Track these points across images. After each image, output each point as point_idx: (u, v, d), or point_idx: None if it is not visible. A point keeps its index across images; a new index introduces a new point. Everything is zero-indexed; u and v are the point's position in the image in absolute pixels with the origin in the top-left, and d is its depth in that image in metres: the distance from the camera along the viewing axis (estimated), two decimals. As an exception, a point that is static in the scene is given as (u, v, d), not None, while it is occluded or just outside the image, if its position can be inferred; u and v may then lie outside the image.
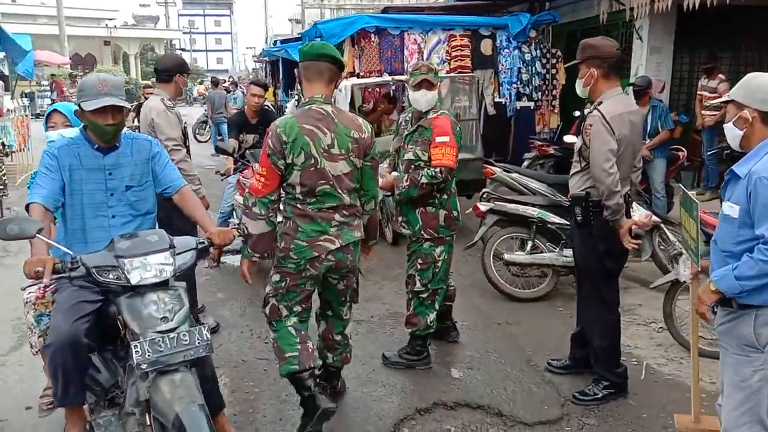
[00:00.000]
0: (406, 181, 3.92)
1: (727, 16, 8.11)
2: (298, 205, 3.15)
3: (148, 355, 2.35)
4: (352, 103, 7.67)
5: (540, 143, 8.82)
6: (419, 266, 4.02)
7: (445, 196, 3.97)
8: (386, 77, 8.31)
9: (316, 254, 3.14)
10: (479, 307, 5.24)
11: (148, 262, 2.54)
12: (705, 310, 2.56)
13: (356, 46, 9.87)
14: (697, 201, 2.95)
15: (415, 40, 9.92)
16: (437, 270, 4.01)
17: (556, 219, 5.34)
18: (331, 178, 3.11)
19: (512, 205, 5.45)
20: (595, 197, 3.47)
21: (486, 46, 10.17)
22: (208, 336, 2.50)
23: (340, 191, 3.15)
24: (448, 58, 9.95)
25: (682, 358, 4.22)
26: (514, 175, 6.22)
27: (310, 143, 3.06)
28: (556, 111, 10.47)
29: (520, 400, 3.74)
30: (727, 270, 2.39)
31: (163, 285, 2.56)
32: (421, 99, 3.94)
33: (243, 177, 5.93)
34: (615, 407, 3.63)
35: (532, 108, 10.36)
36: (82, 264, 2.50)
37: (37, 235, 2.47)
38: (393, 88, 9.62)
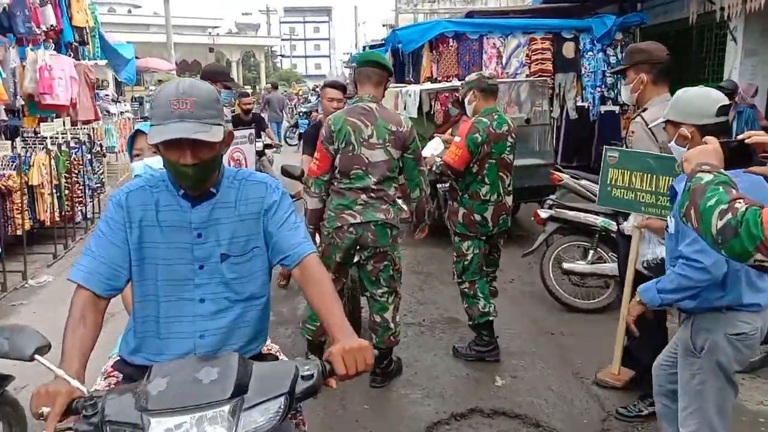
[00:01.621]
0: (429, 164, 4.36)
1: (830, 14, 7.51)
2: (335, 183, 3.70)
3: None
4: (420, 109, 7.70)
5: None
6: (454, 259, 4.37)
7: (466, 197, 4.21)
8: (456, 82, 8.28)
9: (339, 225, 3.64)
10: (534, 315, 5.15)
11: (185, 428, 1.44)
12: (631, 321, 2.66)
13: (434, 51, 9.89)
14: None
15: (494, 44, 9.83)
16: (467, 263, 4.26)
17: (621, 228, 5.16)
18: (366, 164, 3.60)
19: (573, 213, 5.29)
20: None
21: (568, 49, 9.91)
22: None
23: (371, 176, 3.61)
24: (528, 61, 9.78)
25: (744, 379, 3.96)
26: (583, 182, 6.03)
27: (351, 132, 3.60)
28: (643, 116, 10.02)
29: (560, 412, 3.65)
30: (650, 284, 2.54)
31: None
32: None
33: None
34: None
35: (617, 112, 9.97)
36: (101, 410, 1.49)
37: (36, 357, 1.69)
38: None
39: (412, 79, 10.76)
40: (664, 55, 3.35)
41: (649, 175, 3.44)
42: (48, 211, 6.68)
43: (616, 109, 9.93)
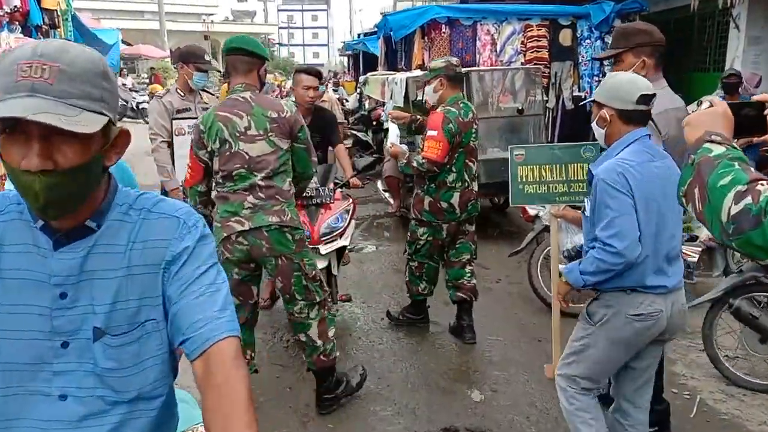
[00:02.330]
0: (405, 158, 4.24)
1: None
2: (218, 189, 3.21)
3: None
4: (406, 97, 7.35)
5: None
6: (408, 238, 4.45)
7: (433, 186, 4.17)
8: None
9: (226, 235, 3.15)
10: (520, 320, 4.81)
11: None
12: (560, 299, 2.82)
13: (426, 38, 9.55)
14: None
15: (488, 30, 9.47)
16: (419, 247, 4.33)
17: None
18: (247, 160, 3.12)
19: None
20: None
21: (565, 37, 9.57)
22: None
23: (256, 173, 3.13)
24: (524, 49, 9.43)
25: (745, 395, 3.64)
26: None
27: (223, 128, 3.12)
28: (640, 106, 9.68)
29: (543, 430, 3.32)
30: (575, 264, 2.59)
31: None
32: (426, 92, 4.37)
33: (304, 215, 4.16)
34: (653, 448, 3.14)
35: (614, 103, 9.62)
36: None
37: None
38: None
39: (404, 67, 10.42)
40: (663, 39, 3.01)
41: (558, 165, 3.63)
42: None
43: (614, 99, 9.59)
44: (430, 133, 4.04)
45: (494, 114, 7.18)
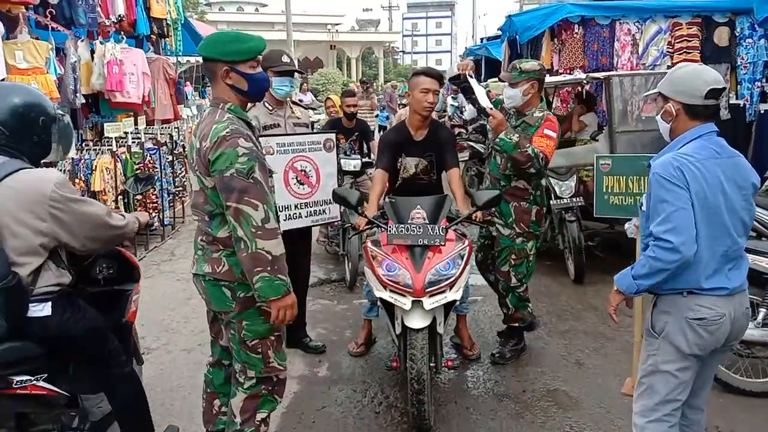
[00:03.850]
0: (513, 138, 3.79)
1: None
2: None
3: None
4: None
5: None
6: (513, 262, 4.06)
7: (538, 192, 4.06)
8: (579, 74, 6.94)
9: (193, 272, 2.72)
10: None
11: None
12: (612, 311, 2.59)
13: (556, 39, 8.63)
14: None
15: (628, 30, 8.38)
16: (529, 265, 4.09)
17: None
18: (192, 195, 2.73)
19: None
20: None
21: (721, 36, 8.28)
22: None
23: (196, 211, 2.66)
24: (671, 50, 8.25)
25: None
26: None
27: (187, 153, 2.72)
28: (817, 117, 8.17)
29: None
30: (625, 271, 2.47)
31: None
32: (503, 93, 4.09)
33: (372, 245, 3.61)
34: None
35: (782, 112, 8.21)
36: None
37: None
38: (588, 86, 8.14)
39: (545, 67, 9.50)
40: None
41: (645, 177, 3.45)
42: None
43: (782, 107, 8.20)
44: (549, 132, 3.83)
45: (638, 127, 6.13)
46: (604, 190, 3.69)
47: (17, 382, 2.37)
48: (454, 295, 3.34)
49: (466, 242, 3.62)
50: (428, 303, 3.24)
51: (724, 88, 2.41)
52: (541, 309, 5.04)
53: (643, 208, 2.49)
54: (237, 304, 2.55)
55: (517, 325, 4.18)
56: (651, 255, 2.32)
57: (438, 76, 3.92)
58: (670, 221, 2.28)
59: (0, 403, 2.40)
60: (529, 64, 3.97)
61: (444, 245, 3.41)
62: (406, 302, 3.23)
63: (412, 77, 4.02)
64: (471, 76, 4.08)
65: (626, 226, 3.81)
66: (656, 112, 2.57)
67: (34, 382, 2.40)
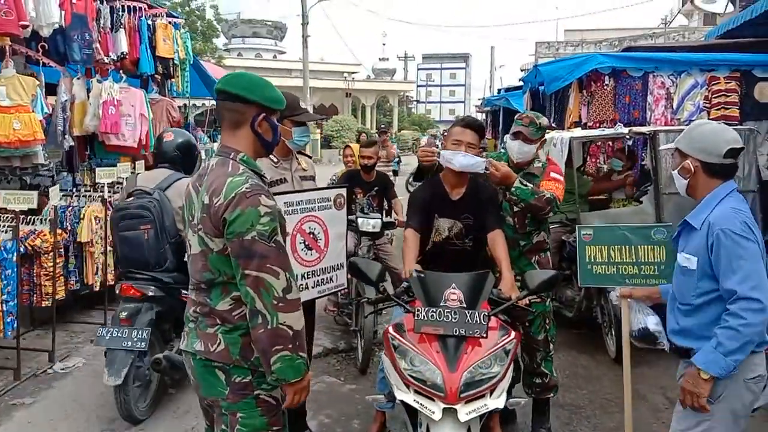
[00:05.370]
0: (528, 186, 3.48)
1: None
2: None
3: None
4: (569, 162, 5.88)
5: None
6: (548, 326, 3.73)
7: (548, 244, 3.83)
8: (621, 128, 6.37)
9: (182, 348, 2.36)
10: None
11: None
12: (704, 403, 2.30)
13: (585, 91, 8.14)
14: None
15: (662, 83, 7.90)
16: (554, 322, 3.85)
17: None
18: (190, 258, 2.30)
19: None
20: None
21: (762, 92, 7.79)
22: None
23: (193, 277, 2.28)
24: (708, 105, 7.74)
25: None
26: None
27: (185, 206, 2.36)
28: None
29: None
30: (710, 352, 2.26)
31: None
32: (514, 148, 3.68)
33: (393, 331, 2.93)
34: None
35: (828, 174, 7.61)
36: None
37: None
38: (630, 142, 7.58)
39: (554, 125, 9.02)
40: None
41: (627, 247, 3.67)
42: (98, 273, 5.55)
43: (828, 168, 7.60)
44: (556, 175, 3.67)
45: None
46: (587, 260, 3.73)
47: (184, 294, 3.86)
48: (496, 402, 2.64)
49: (513, 334, 2.89)
50: (464, 412, 2.55)
51: (743, 148, 2.44)
52: (584, 398, 4.38)
53: (693, 267, 2.38)
54: (231, 391, 2.18)
55: (552, 395, 3.82)
56: (742, 323, 2.18)
57: (477, 128, 3.42)
58: (751, 278, 2.20)
59: (180, 305, 3.13)
60: (544, 120, 3.72)
61: (486, 337, 2.73)
62: (435, 410, 2.55)
63: (451, 128, 3.53)
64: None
65: (611, 295, 3.87)
66: (673, 167, 2.56)
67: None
